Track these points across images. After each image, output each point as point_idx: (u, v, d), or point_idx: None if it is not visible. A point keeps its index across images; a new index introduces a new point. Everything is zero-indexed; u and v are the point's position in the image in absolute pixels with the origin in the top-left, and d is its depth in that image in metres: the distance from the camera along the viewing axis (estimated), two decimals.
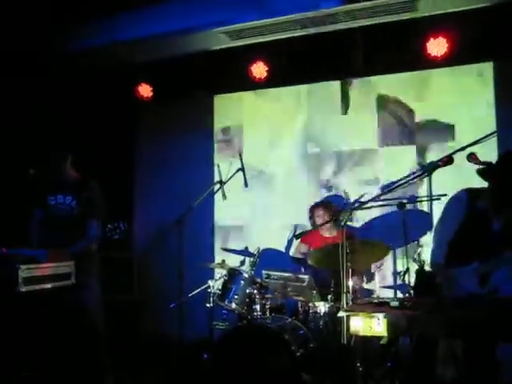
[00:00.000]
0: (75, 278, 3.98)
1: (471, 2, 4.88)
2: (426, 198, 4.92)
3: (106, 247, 4.57)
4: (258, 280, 4.60)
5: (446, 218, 3.20)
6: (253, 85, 6.13)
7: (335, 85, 6.03)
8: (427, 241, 4.22)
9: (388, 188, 3.71)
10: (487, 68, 5.45)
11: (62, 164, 4.50)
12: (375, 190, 5.53)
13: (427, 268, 3.51)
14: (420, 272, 3.78)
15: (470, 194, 3.12)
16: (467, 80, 5.52)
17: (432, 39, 5.21)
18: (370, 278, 5.39)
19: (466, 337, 2.66)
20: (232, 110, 6.52)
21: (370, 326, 2.67)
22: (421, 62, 5.43)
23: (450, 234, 3.11)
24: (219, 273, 4.94)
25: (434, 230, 3.33)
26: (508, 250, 2.94)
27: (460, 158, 3.26)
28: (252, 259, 4.83)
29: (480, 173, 3.03)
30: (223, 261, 5.01)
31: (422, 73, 5.67)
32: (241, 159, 4.99)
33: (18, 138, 5.64)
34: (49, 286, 3.71)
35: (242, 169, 4.99)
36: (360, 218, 5.64)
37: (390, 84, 5.83)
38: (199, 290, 4.93)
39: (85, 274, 4.22)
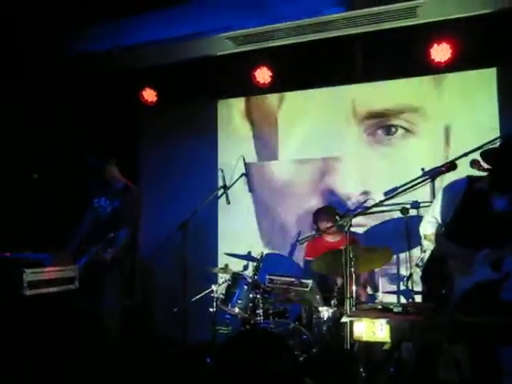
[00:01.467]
0: (91, 284, 4.04)
1: (472, 9, 4.90)
2: (428, 204, 4.92)
3: None
4: (262, 285, 4.60)
5: (443, 197, 3.31)
6: (256, 90, 6.14)
7: (339, 90, 6.04)
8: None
9: (391, 193, 3.72)
10: (491, 74, 5.45)
11: (102, 170, 4.57)
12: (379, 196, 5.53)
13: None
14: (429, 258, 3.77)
15: (468, 177, 3.25)
16: (471, 86, 5.52)
17: (435, 45, 5.23)
18: (375, 288, 5.38)
19: (469, 341, 2.68)
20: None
21: (373, 331, 2.70)
22: (424, 68, 5.44)
23: (448, 211, 3.24)
24: (222, 277, 4.95)
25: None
26: None
27: (463, 164, 3.30)
28: (255, 264, 4.84)
29: (483, 155, 3.11)
30: (226, 265, 5.02)
31: (426, 78, 5.67)
32: (244, 164, 5.00)
33: (20, 141, 5.67)
34: (53, 289, 3.74)
35: (246, 173, 5.00)
36: (363, 224, 5.64)
37: (394, 89, 5.84)
38: (202, 294, 4.94)
39: (103, 281, 4.28)
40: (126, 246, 4.51)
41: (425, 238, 3.45)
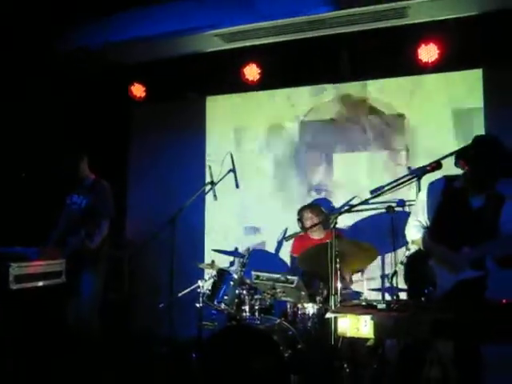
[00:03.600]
0: (74, 276, 4.04)
1: (460, 11, 4.97)
2: (414, 203, 4.97)
3: None
4: (248, 281, 4.63)
5: (423, 198, 3.40)
6: (245, 87, 6.16)
7: (328, 88, 6.08)
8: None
9: (377, 192, 3.76)
10: (477, 75, 5.51)
11: (76, 167, 4.62)
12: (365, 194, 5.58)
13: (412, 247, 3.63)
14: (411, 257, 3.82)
15: (446, 177, 3.35)
16: (457, 87, 5.58)
17: (423, 45, 5.28)
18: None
19: (451, 338, 2.73)
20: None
21: (358, 327, 2.72)
22: (412, 67, 5.49)
23: (430, 211, 3.34)
24: (209, 273, 4.97)
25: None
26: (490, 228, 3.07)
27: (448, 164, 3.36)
28: (242, 260, 4.86)
29: (458, 154, 3.20)
30: (213, 261, 5.04)
31: (413, 78, 5.73)
32: (232, 160, 5.01)
33: (11, 137, 5.65)
34: (40, 283, 3.73)
35: (233, 170, 5.02)
36: (348, 222, 5.70)
37: (381, 89, 5.88)
38: (189, 289, 4.96)
39: (84, 272, 4.30)
40: (105, 238, 4.58)
41: (413, 242, 3.51)
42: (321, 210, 5.40)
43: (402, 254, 4.48)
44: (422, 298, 3.15)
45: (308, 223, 5.27)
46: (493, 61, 5.27)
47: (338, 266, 3.73)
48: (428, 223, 3.37)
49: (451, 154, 3.47)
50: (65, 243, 4.51)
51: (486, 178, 3.16)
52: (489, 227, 3.08)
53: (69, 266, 4.15)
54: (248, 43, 5.64)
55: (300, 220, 5.44)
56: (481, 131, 5.29)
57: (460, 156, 3.24)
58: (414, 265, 3.40)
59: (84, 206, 4.60)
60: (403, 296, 4.28)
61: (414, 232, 3.44)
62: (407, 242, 3.64)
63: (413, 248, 3.54)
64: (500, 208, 3.10)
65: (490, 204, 3.13)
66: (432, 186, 3.39)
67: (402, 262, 4.25)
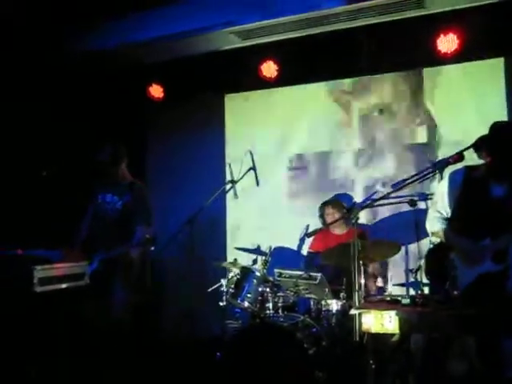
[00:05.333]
0: (104, 281, 4.05)
1: None
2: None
3: None
4: (271, 278, 4.62)
5: (444, 190, 3.36)
6: (263, 84, 6.14)
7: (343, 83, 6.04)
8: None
9: (399, 185, 3.72)
10: (498, 64, 5.41)
11: (117, 162, 4.54)
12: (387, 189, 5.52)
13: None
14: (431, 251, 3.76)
15: (466, 167, 3.31)
16: (478, 76, 5.49)
17: (442, 36, 5.19)
18: (385, 280, 5.36)
19: (476, 333, 2.68)
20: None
21: (382, 323, 2.71)
22: (431, 58, 5.41)
23: (450, 203, 3.31)
24: (232, 272, 4.97)
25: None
26: None
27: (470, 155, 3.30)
28: (264, 258, 4.85)
29: (478, 148, 3.13)
30: (235, 260, 5.04)
31: (433, 70, 5.65)
32: (252, 158, 5.00)
33: (28, 138, 5.70)
34: (63, 286, 3.76)
35: (254, 168, 5.01)
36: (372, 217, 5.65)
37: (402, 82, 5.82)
38: (212, 288, 4.96)
39: (115, 278, 4.29)
40: (141, 244, 4.49)
41: (433, 234, 3.46)
42: (342, 205, 5.36)
43: (426, 248, 4.43)
44: (443, 293, 3.09)
45: (329, 219, 5.25)
46: None
47: (361, 262, 3.72)
48: (449, 214, 3.32)
49: (472, 146, 3.42)
50: (94, 243, 4.45)
51: (505, 165, 3.09)
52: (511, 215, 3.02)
53: (102, 268, 4.16)
54: (264, 40, 5.61)
55: (322, 216, 5.41)
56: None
57: (480, 146, 3.17)
58: (434, 258, 3.35)
59: (120, 206, 4.46)
60: (428, 291, 4.23)
61: (434, 223, 3.39)
62: (429, 234, 3.58)
63: (434, 240, 3.48)
64: None
65: None
66: (452, 176, 3.34)
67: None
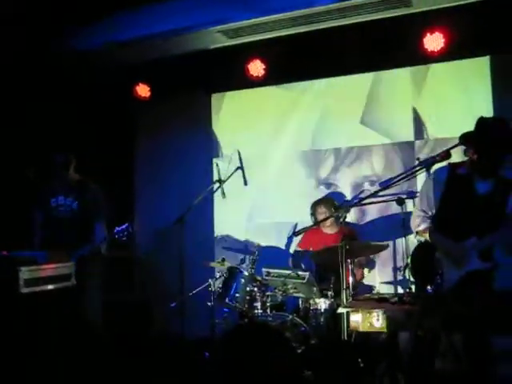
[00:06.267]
0: (78, 280, 4.01)
1: None
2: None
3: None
4: (259, 278, 4.62)
5: (428, 188, 3.34)
6: (250, 83, 6.12)
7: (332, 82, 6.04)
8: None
9: (387, 184, 3.72)
10: (484, 62, 5.44)
11: (68, 166, 4.53)
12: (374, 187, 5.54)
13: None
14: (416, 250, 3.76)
15: (450, 164, 3.30)
16: (465, 74, 5.51)
17: (429, 34, 5.21)
18: (372, 267, 5.36)
19: (463, 330, 2.69)
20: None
21: (370, 321, 2.71)
22: (418, 57, 5.42)
23: (435, 200, 3.28)
24: (219, 271, 4.95)
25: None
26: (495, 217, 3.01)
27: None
28: (252, 257, 4.84)
29: (463, 139, 3.13)
30: (223, 259, 5.02)
31: (419, 68, 5.66)
32: (239, 157, 4.99)
33: (17, 138, 5.65)
34: (50, 287, 3.73)
35: (241, 167, 4.99)
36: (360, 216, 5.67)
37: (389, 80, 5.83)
38: (200, 288, 4.95)
39: (88, 276, 4.26)
40: (104, 240, 4.49)
41: (417, 233, 3.44)
42: (334, 204, 5.34)
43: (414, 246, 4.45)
44: (430, 291, 3.09)
45: (321, 218, 5.23)
46: (500, 47, 5.19)
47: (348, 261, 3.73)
48: (433, 213, 3.31)
49: (459, 144, 3.42)
50: (57, 247, 4.35)
51: (491, 161, 3.08)
52: (497, 212, 3.02)
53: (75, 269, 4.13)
54: (251, 39, 5.59)
55: (313, 214, 5.40)
56: None
57: (465, 142, 3.17)
58: (420, 257, 3.33)
59: (76, 207, 4.46)
60: (415, 289, 4.25)
61: (418, 222, 3.38)
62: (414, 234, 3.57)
63: (419, 239, 3.47)
64: (509, 192, 3.04)
65: (499, 188, 3.07)
66: (436, 174, 3.32)
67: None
